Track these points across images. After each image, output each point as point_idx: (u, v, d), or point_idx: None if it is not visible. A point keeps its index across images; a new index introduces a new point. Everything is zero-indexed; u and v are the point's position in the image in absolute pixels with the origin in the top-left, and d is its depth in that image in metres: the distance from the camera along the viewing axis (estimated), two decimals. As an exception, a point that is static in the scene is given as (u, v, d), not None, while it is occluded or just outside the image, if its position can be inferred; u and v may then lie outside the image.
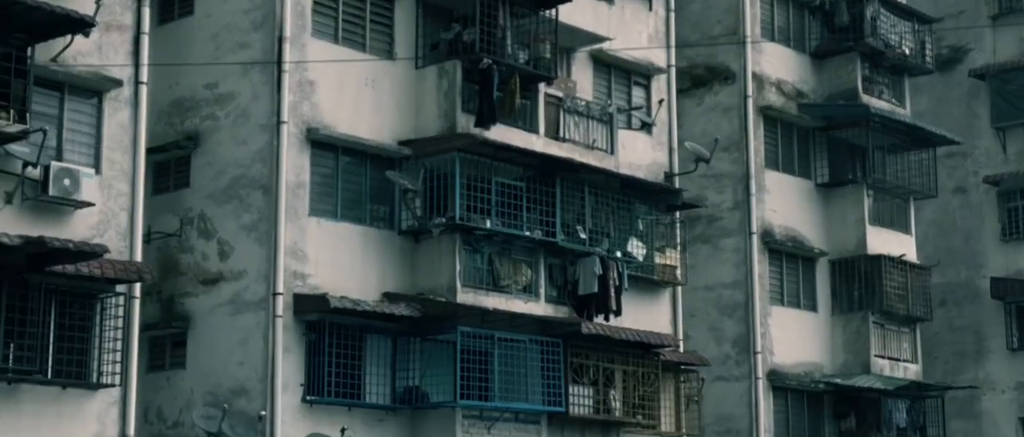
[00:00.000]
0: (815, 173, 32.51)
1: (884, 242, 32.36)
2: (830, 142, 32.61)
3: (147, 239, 22.34)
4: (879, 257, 31.89)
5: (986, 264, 36.67)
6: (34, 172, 19.38)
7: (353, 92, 23.52)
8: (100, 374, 19.96)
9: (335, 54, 23.21)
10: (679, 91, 29.76)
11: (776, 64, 31.85)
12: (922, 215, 35.68)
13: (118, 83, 20.59)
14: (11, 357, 18.84)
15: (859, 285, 31.90)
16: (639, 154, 27.79)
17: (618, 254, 25.62)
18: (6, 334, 18.65)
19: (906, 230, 33.45)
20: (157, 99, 22.90)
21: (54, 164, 19.51)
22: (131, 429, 20.31)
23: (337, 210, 23.21)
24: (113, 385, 20.04)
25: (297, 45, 22.85)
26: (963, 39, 37.51)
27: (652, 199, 26.97)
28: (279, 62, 22.59)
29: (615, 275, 25.29)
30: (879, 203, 32.74)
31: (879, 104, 32.94)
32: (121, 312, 20.23)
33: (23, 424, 19.12)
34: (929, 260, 34.49)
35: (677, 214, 28.41)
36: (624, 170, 26.47)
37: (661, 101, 28.47)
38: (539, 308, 24.61)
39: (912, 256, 33.16)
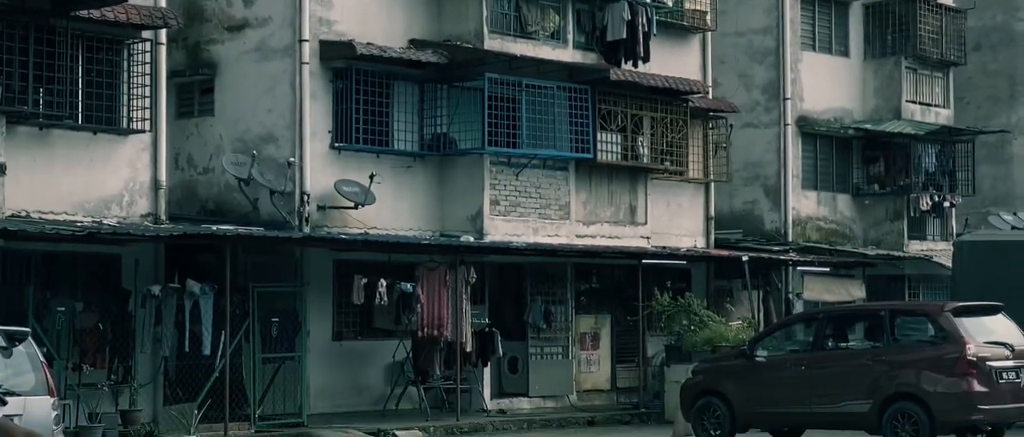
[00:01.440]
0: (851, -86, 31.85)
1: (920, -15, 31.87)
2: None
3: (171, -15, 22.20)
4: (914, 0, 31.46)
5: (1022, 7, 36.10)
6: (54, -84, 19.17)
7: None
8: (130, 120, 20.13)
9: None
10: None
11: None
12: (960, -43, 35.05)
13: None
14: (41, 102, 18.98)
15: (893, 29, 31.55)
16: None
17: (647, -1, 25.35)
18: (35, 79, 18.73)
19: (942, -28, 32.92)
20: None
21: (74, -93, 19.26)
22: (162, 174, 20.57)
23: (362, -45, 22.93)
24: (143, 131, 20.22)
25: None
26: None
27: (683, -58, 26.53)
28: None
29: (644, 20, 25.05)
30: (916, -56, 32.13)
31: None
32: (148, 58, 20.26)
33: (57, 168, 19.40)
34: (965, 3, 33.96)
35: (708, -42, 27.97)
36: (654, -88, 25.95)
37: None
38: (567, 54, 24.49)
39: (948, -1, 32.71)
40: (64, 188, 19.46)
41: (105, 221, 19.60)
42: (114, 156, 20.06)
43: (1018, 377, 17.83)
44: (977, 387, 17.43)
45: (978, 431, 18.37)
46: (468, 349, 22.58)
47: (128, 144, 20.20)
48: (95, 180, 19.84)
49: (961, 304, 18.86)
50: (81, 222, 19.21)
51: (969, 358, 17.47)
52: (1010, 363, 17.80)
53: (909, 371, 17.79)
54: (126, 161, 20.19)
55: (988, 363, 17.59)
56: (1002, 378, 17.66)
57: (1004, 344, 17.93)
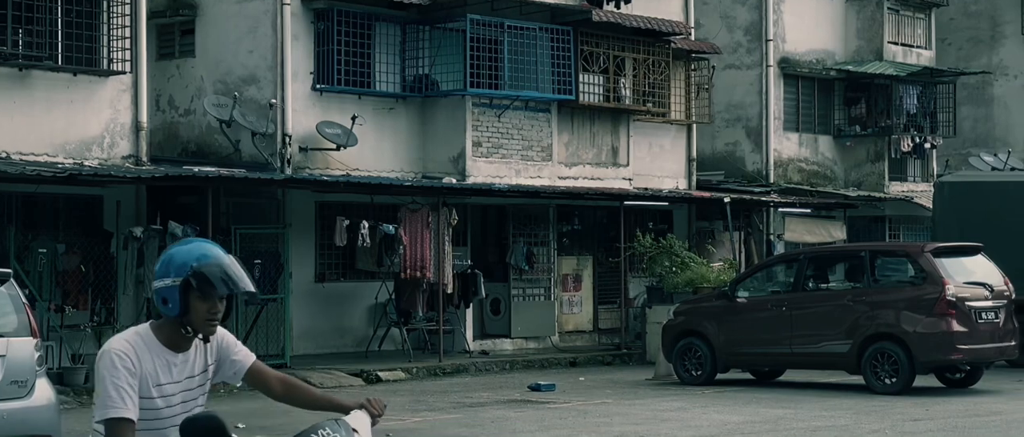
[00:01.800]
0: None
1: (902, -75, 31.81)
2: None
3: (151, -75, 22.02)
4: (896, -59, 31.43)
5: (1005, -51, 36.10)
6: None
7: None
8: (110, 61, 20.02)
9: None
10: None
11: None
12: (943, -102, 34.92)
13: None
14: (20, 43, 18.87)
15: (875, -30, 31.54)
16: None
17: (630, -61, 25.23)
18: (14, 20, 18.62)
19: (925, -88, 32.85)
20: None
21: None
22: (144, 116, 20.50)
23: None
24: (124, 72, 20.12)
25: None
26: None
27: None
28: None
29: (626, -39, 24.97)
30: None
31: None
32: (128, -1, 20.16)
33: (37, 110, 19.31)
34: (947, -55, 33.95)
35: (691, -102, 27.84)
36: None
37: None
38: (549, -5, 24.43)
39: (930, -60, 32.63)
40: (44, 129, 19.38)
41: (86, 163, 19.54)
42: (95, 97, 19.97)
43: (997, 317, 17.97)
44: (956, 327, 17.56)
45: (957, 370, 18.54)
46: (450, 291, 22.63)
47: (109, 85, 20.12)
48: (76, 121, 19.76)
49: (941, 245, 18.98)
50: (62, 164, 19.14)
51: (948, 298, 17.60)
52: (989, 303, 17.94)
53: (889, 311, 17.92)
54: (107, 102, 20.11)
55: (967, 303, 17.72)
56: (981, 318, 17.80)
57: (983, 284, 18.06)
